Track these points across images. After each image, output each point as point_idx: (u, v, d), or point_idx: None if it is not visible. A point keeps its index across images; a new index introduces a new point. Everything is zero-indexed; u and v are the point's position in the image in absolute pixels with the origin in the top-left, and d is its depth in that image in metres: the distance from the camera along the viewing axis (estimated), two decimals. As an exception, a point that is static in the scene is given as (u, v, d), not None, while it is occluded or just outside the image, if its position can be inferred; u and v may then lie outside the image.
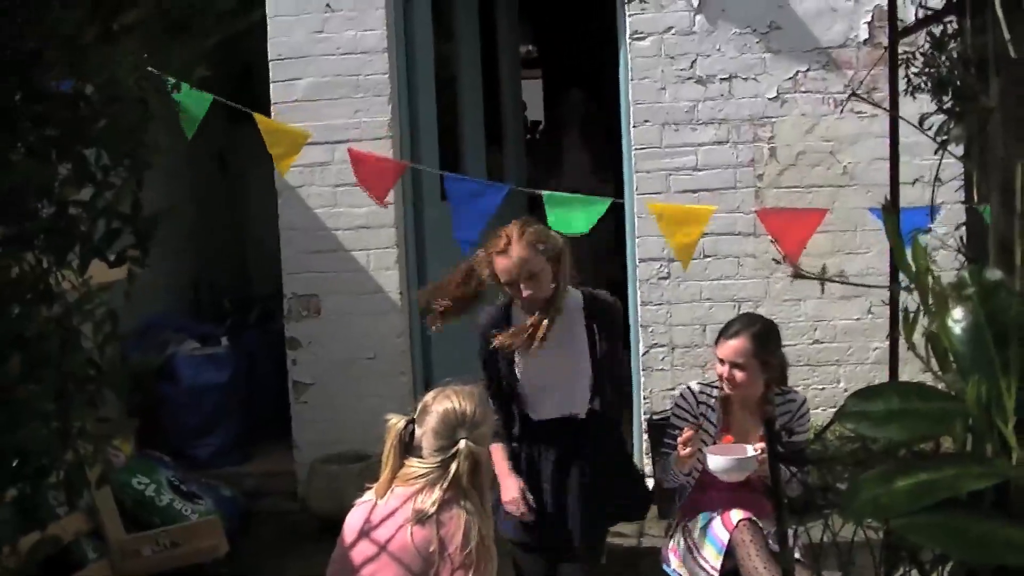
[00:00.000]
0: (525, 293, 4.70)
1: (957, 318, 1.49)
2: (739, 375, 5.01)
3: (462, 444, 3.63)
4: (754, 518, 4.89)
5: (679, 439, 5.00)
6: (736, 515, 4.88)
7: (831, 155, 6.23)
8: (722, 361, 5.05)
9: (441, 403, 3.74)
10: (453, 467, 3.62)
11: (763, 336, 5.05)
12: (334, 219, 6.54)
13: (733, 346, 4.99)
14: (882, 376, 4.75)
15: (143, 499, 5.53)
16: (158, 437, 6.51)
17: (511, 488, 4.75)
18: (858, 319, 6.25)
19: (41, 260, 2.41)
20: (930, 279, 1.50)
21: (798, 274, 1.79)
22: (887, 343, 2.27)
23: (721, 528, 4.87)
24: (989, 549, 1.36)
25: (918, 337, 1.58)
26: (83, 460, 2.55)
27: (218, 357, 7.00)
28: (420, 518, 3.56)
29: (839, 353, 6.32)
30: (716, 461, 4.97)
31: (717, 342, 5.11)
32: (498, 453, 4.77)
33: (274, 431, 7.05)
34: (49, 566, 4.55)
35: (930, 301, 1.52)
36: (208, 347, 7.02)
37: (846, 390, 6.26)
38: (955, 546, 1.38)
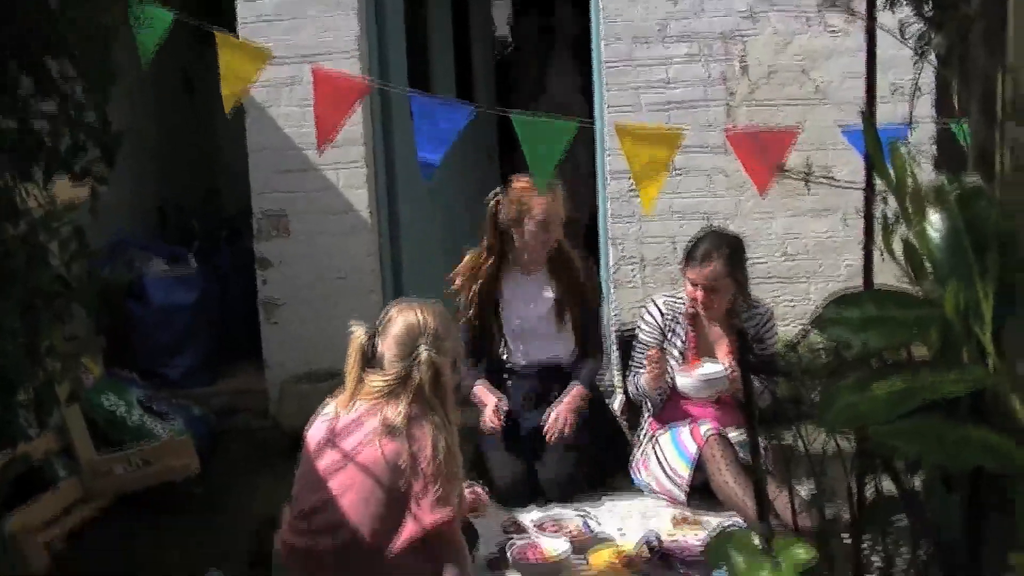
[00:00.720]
0: (552, 234, 5.29)
1: (935, 225, 1.47)
2: (714, 298, 5.05)
3: (423, 353, 3.63)
4: (723, 431, 4.93)
5: (645, 359, 5.06)
6: (706, 429, 4.92)
7: (803, 72, 6.19)
8: (694, 284, 5.07)
9: (404, 315, 3.74)
10: (415, 376, 3.62)
11: (733, 256, 5.08)
12: (303, 137, 6.46)
13: (706, 271, 5.02)
14: (852, 292, 4.78)
15: (114, 418, 5.51)
16: (128, 357, 6.49)
17: (490, 402, 5.26)
18: (829, 235, 6.25)
19: (4, 176, 2.38)
20: (909, 185, 1.49)
21: (783, 172, 1.78)
22: (858, 259, 2.27)
23: (691, 441, 4.91)
24: (967, 453, 1.36)
25: (895, 244, 1.57)
26: (52, 377, 2.54)
27: (187, 277, 6.97)
28: (389, 430, 3.56)
29: (810, 269, 6.33)
30: (685, 380, 5.01)
31: (686, 264, 5.13)
32: (480, 391, 5.36)
33: (244, 351, 7.04)
34: (20, 485, 4.55)
35: (908, 208, 1.51)
36: (177, 267, 6.99)
37: (817, 306, 6.26)
38: (933, 450, 1.39)
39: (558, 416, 5.22)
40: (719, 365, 5.06)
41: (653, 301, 5.31)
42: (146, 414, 5.65)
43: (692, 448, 4.88)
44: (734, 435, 4.96)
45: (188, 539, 5.01)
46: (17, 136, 2.32)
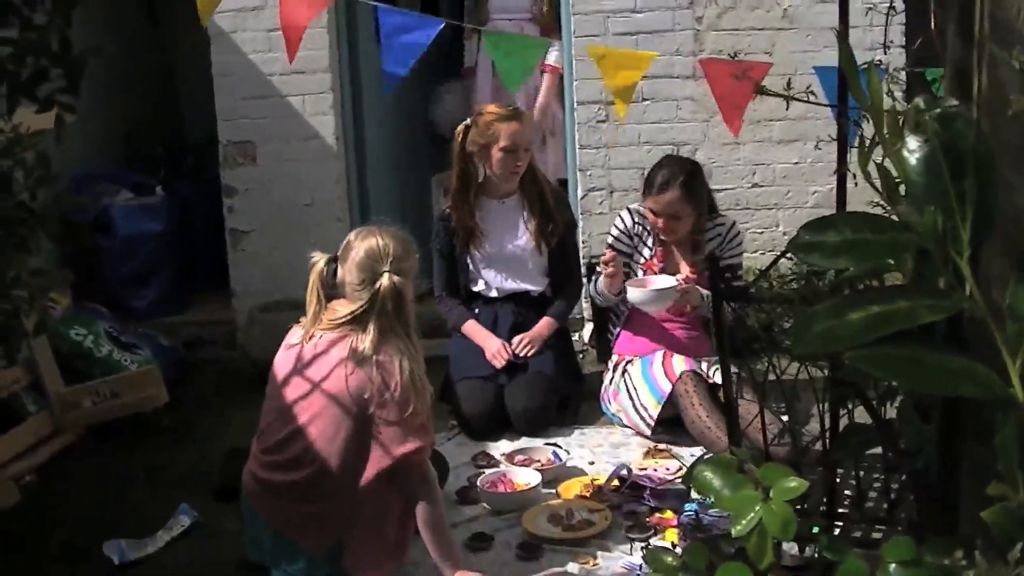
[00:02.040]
0: (520, 161, 5.27)
1: (912, 147, 1.45)
2: (675, 224, 5.09)
3: (384, 277, 3.60)
4: (696, 370, 4.94)
5: (601, 260, 5.11)
6: (679, 366, 4.93)
7: (771, -3, 6.17)
8: (655, 213, 5.11)
9: (365, 240, 3.71)
10: (378, 301, 3.59)
11: (691, 182, 5.10)
12: (269, 64, 6.41)
13: (666, 199, 5.07)
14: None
15: (81, 351, 5.48)
16: (95, 289, 6.44)
17: (493, 345, 5.30)
18: (796, 163, 6.24)
19: (-34, 104, 2.33)
20: (885, 106, 1.47)
21: (761, 90, 1.76)
22: (826, 187, 2.27)
23: (663, 378, 4.90)
24: (945, 380, 1.34)
25: (871, 167, 1.55)
26: (18, 309, 2.50)
27: (153, 206, 6.90)
28: (357, 359, 3.54)
29: (778, 197, 6.32)
30: (634, 293, 5.03)
31: (645, 192, 5.16)
32: (472, 327, 5.39)
33: (212, 280, 7.01)
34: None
35: (884, 131, 1.49)
36: (142, 197, 6.92)
37: (785, 234, 6.29)
38: (911, 377, 1.37)
39: (521, 338, 5.31)
40: (670, 279, 5.10)
41: (628, 208, 5.34)
42: (114, 346, 5.61)
43: (665, 385, 4.88)
44: (705, 366, 4.99)
45: (159, 471, 4.99)
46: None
